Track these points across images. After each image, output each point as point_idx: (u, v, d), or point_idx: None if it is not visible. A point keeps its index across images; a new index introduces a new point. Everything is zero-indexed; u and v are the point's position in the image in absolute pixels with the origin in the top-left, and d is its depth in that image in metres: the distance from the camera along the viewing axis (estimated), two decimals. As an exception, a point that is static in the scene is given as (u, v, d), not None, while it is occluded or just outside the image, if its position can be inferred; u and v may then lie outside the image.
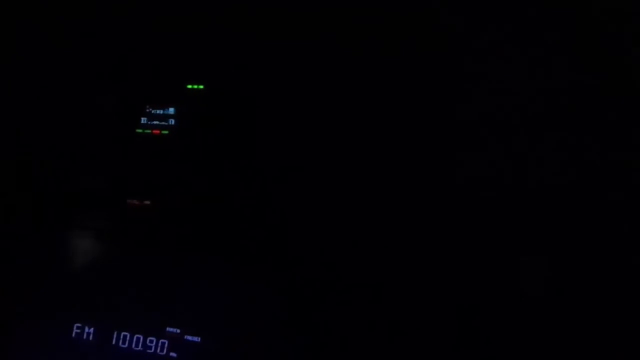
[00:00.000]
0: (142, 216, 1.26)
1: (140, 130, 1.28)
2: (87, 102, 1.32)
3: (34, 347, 1.23)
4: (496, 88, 1.10)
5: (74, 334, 1.22)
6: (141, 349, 1.18)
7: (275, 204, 1.19)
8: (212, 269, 1.20)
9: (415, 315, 1.08)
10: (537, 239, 1.06)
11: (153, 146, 1.27)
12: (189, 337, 1.16)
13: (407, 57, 1.14)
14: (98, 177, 1.29)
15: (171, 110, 1.27)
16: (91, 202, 1.29)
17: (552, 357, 1.03)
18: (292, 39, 1.20)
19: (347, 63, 1.17)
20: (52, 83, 1.34)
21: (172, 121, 1.27)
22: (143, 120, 1.28)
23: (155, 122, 1.28)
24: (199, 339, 1.16)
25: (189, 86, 1.26)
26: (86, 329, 1.22)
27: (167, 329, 1.18)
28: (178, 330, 1.17)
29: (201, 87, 1.26)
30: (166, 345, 1.17)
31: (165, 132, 1.27)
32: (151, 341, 1.18)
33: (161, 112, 1.27)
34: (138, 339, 1.19)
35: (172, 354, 1.16)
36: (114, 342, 1.20)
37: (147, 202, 1.26)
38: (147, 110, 1.28)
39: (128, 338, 1.19)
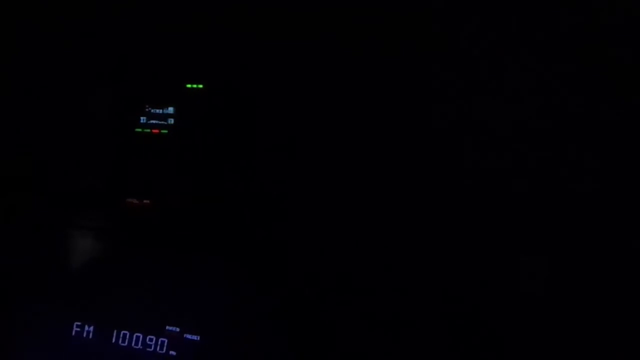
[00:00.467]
0: (142, 215, 1.26)
1: (139, 130, 1.28)
2: (87, 102, 1.33)
3: (35, 346, 1.24)
4: (497, 88, 1.09)
5: (74, 333, 1.23)
6: (141, 347, 1.19)
7: (275, 203, 1.19)
8: (212, 268, 1.20)
9: (416, 315, 1.08)
10: (537, 239, 1.05)
11: (152, 145, 1.27)
12: (189, 336, 1.16)
13: (407, 57, 1.14)
14: (97, 176, 1.29)
15: (171, 110, 1.27)
16: (91, 201, 1.29)
17: (552, 357, 1.02)
18: (292, 39, 1.20)
19: (347, 63, 1.17)
20: (52, 82, 1.34)
21: (171, 120, 1.27)
22: (142, 119, 1.28)
23: (154, 122, 1.28)
24: (198, 337, 1.16)
25: (189, 85, 1.26)
26: (86, 328, 1.23)
27: (167, 327, 1.18)
28: (177, 329, 1.17)
29: (201, 86, 1.26)
30: (166, 343, 1.17)
31: (165, 131, 1.27)
32: (151, 340, 1.18)
33: (161, 111, 1.27)
34: (138, 337, 1.19)
35: (172, 353, 1.17)
36: (113, 340, 1.20)
37: (147, 202, 1.26)
38: (147, 110, 1.28)
39: (128, 336, 1.20)
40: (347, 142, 1.16)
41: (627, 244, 1.01)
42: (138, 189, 1.27)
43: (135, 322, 1.20)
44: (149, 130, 1.28)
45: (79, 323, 1.23)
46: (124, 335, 1.20)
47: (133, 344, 1.19)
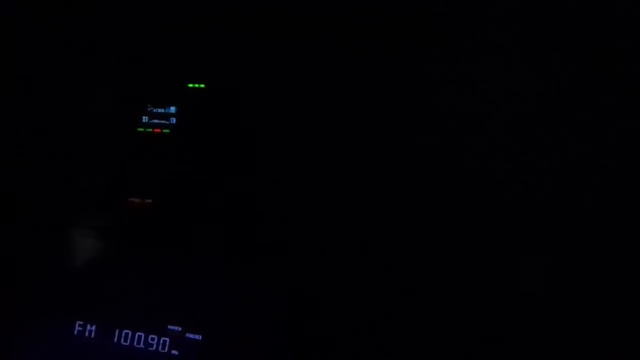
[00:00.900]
0: (143, 215, 1.26)
1: (141, 129, 1.28)
2: (89, 101, 1.32)
3: (36, 345, 1.24)
4: (497, 88, 1.09)
5: (75, 332, 1.23)
6: (143, 346, 1.19)
7: (276, 203, 1.19)
8: (214, 268, 1.20)
9: (415, 315, 1.09)
10: (537, 239, 1.06)
11: (154, 145, 1.27)
12: (190, 335, 1.17)
13: (407, 57, 1.14)
14: (99, 175, 1.29)
15: (172, 109, 1.27)
16: (92, 200, 1.29)
17: (552, 357, 1.03)
18: (292, 39, 1.20)
19: (347, 63, 1.17)
20: (53, 82, 1.34)
21: (173, 120, 1.27)
22: (144, 119, 1.28)
23: (156, 121, 1.28)
24: (200, 337, 1.16)
25: (190, 85, 1.26)
26: (88, 327, 1.23)
27: (169, 327, 1.18)
28: (179, 329, 1.18)
29: (202, 86, 1.26)
30: (167, 343, 1.18)
31: (167, 130, 1.27)
32: (153, 339, 1.18)
33: (162, 110, 1.27)
34: (140, 336, 1.19)
35: (174, 352, 1.17)
36: (115, 339, 1.20)
37: (149, 201, 1.26)
38: (148, 109, 1.28)
39: (130, 336, 1.20)
40: (348, 142, 1.16)
41: (627, 244, 1.01)
42: (140, 188, 1.27)
43: (137, 321, 1.20)
44: (150, 130, 1.28)
45: (81, 322, 1.23)
46: (126, 334, 1.20)
47: (135, 344, 1.19)
